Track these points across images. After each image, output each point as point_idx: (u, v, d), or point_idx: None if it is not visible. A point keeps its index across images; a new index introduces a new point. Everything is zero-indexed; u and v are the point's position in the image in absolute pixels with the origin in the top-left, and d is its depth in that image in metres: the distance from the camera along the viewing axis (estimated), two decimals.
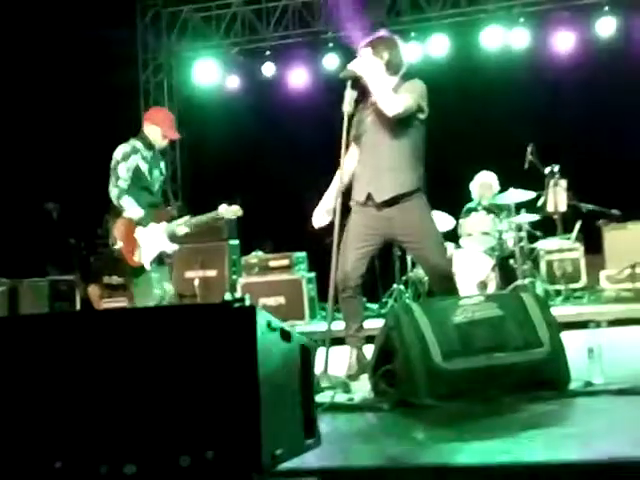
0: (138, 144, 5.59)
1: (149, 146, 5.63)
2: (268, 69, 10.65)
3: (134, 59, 11.16)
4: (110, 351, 2.28)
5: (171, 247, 5.64)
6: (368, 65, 4.83)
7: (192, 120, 10.89)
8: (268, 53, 10.63)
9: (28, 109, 9.45)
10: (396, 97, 4.78)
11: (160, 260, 5.63)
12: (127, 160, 5.48)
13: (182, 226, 5.64)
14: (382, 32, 5.12)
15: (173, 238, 5.63)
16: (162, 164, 5.82)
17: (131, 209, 5.47)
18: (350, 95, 4.80)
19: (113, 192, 5.47)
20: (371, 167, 4.93)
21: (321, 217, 5.12)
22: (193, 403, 2.16)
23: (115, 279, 8.34)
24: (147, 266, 5.51)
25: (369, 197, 4.91)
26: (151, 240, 5.53)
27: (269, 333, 2.19)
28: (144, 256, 5.51)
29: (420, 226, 4.91)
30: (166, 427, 2.19)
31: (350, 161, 5.02)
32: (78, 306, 8.73)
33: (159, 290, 5.58)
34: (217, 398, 2.13)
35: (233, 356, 2.12)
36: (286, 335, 2.32)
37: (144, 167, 5.57)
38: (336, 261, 4.73)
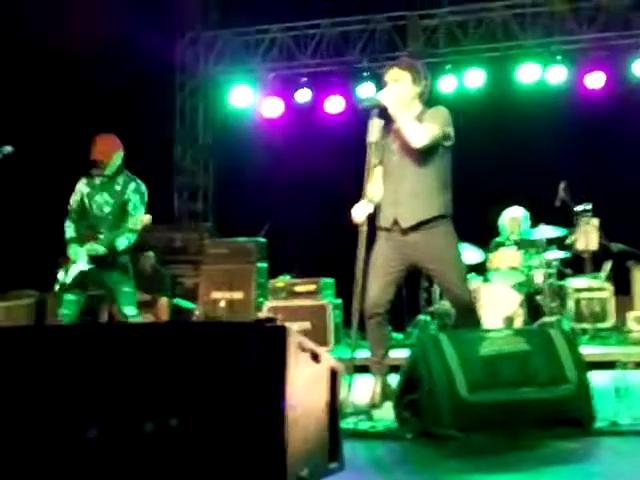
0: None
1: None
2: (304, 95, 10.71)
3: (171, 80, 11.27)
4: (138, 365, 2.30)
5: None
6: (395, 95, 4.84)
7: (226, 143, 10.97)
8: (304, 79, 10.70)
9: (60, 124, 9.50)
10: (422, 128, 4.78)
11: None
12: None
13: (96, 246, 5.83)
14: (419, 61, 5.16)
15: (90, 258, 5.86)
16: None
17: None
18: (377, 125, 4.82)
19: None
20: (396, 193, 4.93)
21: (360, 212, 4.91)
22: (221, 419, 2.17)
23: (141, 295, 8.38)
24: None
25: (395, 222, 4.91)
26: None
27: (299, 353, 2.20)
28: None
29: (443, 253, 4.89)
30: (192, 442, 2.20)
31: (376, 185, 5.02)
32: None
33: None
34: (245, 416, 2.14)
35: (263, 374, 2.12)
36: (316, 357, 2.33)
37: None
38: (361, 287, 4.72)
